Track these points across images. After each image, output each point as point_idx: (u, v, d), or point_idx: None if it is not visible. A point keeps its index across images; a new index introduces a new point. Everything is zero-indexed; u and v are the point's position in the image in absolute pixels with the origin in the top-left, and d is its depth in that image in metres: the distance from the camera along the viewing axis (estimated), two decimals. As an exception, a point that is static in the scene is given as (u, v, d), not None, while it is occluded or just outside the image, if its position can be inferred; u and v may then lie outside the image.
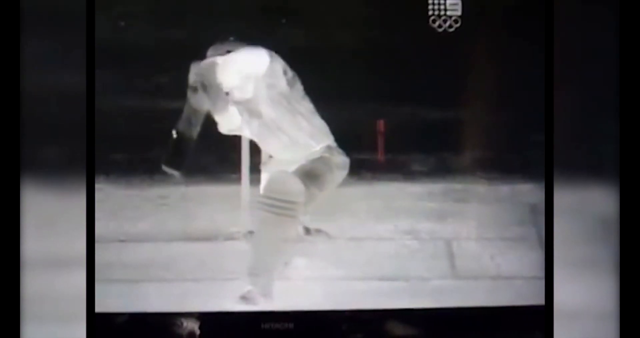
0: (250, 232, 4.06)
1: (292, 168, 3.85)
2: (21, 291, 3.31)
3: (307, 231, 4.11)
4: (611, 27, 3.38)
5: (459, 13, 4.34)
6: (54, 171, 3.40)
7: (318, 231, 4.10)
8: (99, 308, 3.52)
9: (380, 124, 4.69)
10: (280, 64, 3.82)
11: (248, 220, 4.23)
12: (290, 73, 3.85)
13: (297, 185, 3.76)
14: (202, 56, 3.82)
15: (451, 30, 4.34)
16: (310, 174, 3.82)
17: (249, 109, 3.87)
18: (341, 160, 3.93)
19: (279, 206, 3.74)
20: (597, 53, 3.42)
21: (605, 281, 3.37)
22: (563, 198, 3.44)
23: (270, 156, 3.99)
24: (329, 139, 3.95)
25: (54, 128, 3.41)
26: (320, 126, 3.94)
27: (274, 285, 3.83)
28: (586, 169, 3.43)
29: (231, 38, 3.82)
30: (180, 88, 3.96)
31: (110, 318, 3.61)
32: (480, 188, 4.60)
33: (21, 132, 3.35)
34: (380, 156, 4.70)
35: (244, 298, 3.81)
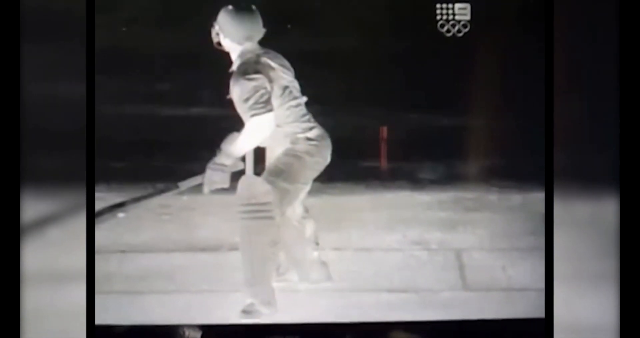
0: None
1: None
2: (21, 304, 3.28)
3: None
4: (613, 31, 3.36)
5: (467, 18, 4.30)
6: (54, 180, 3.36)
7: None
8: (99, 320, 3.47)
9: (383, 131, 4.68)
10: None
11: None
12: None
13: (262, 186, 3.70)
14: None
15: (460, 35, 4.31)
16: (273, 171, 3.75)
17: None
18: (310, 147, 3.85)
19: (252, 211, 3.70)
20: (598, 54, 3.41)
21: (609, 293, 3.33)
22: (569, 208, 3.42)
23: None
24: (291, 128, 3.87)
25: (54, 137, 3.38)
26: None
27: (274, 292, 3.77)
28: (591, 179, 3.41)
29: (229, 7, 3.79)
30: (181, 95, 3.93)
31: (110, 330, 3.55)
32: (491, 197, 4.59)
33: (21, 141, 3.32)
34: (383, 163, 4.68)
35: (246, 312, 3.75)
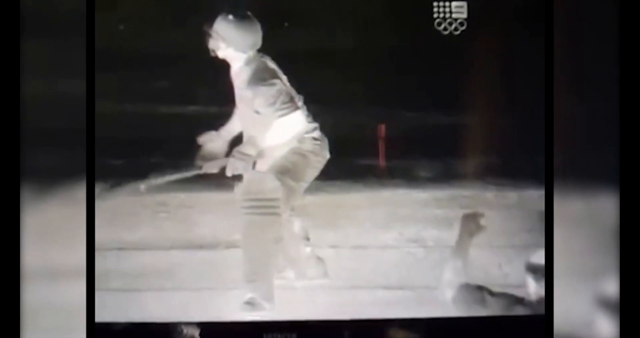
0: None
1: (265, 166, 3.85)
2: (21, 301, 3.27)
3: None
4: (613, 29, 3.37)
5: (464, 16, 4.30)
6: (53, 178, 3.36)
7: None
8: (97, 317, 3.47)
9: (381, 129, 4.67)
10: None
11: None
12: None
13: (271, 182, 3.75)
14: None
15: (457, 33, 4.30)
16: (280, 169, 3.79)
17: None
18: (315, 146, 3.87)
19: (259, 206, 3.74)
20: (598, 53, 3.41)
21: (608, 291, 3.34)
22: (568, 206, 3.42)
23: None
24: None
25: (54, 134, 3.37)
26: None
27: (274, 289, 3.79)
28: (590, 177, 3.41)
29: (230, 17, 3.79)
30: (180, 93, 3.92)
31: (108, 327, 3.55)
32: (488, 195, 4.59)
33: (21, 139, 3.31)
34: (381, 162, 4.67)
35: (249, 303, 3.78)
